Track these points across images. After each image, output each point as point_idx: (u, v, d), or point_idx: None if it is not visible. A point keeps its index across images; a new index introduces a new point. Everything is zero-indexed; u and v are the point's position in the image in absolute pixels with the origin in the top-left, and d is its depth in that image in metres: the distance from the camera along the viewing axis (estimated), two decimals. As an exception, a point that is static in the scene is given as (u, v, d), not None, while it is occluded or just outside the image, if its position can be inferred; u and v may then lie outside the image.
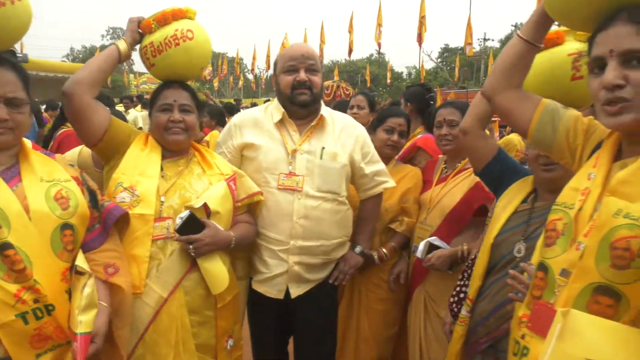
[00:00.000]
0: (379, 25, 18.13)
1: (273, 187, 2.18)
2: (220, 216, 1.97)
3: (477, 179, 2.28)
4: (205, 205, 1.92)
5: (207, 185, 1.99)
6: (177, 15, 2.05)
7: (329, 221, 2.22)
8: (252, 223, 2.19)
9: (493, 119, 6.36)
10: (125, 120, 3.44)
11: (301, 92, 2.20)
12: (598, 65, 1.15)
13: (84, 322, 1.41)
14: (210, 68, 27.59)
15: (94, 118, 1.90)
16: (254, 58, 27.61)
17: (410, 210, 2.60)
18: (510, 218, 1.81)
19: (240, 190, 2.11)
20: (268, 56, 26.56)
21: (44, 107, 8.01)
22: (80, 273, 1.46)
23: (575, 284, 1.08)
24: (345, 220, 2.32)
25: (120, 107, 9.39)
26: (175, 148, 2.03)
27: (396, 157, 2.81)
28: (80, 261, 1.47)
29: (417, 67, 32.02)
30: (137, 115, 9.38)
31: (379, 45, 18.47)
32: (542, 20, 1.44)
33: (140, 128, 8.07)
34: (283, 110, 2.26)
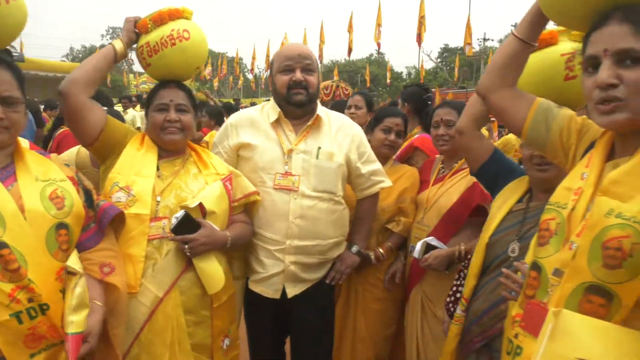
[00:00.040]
0: (379, 25, 18.13)
1: (269, 186, 2.18)
2: (216, 216, 1.97)
3: (475, 179, 2.29)
4: (200, 205, 1.92)
5: (203, 185, 1.99)
6: (174, 15, 2.06)
7: (325, 221, 2.22)
8: (249, 223, 2.19)
9: (492, 118, 6.38)
10: (122, 120, 3.44)
11: (297, 92, 2.20)
12: (592, 64, 1.15)
13: (75, 322, 1.41)
14: (210, 68, 27.59)
15: (89, 117, 1.90)
16: (253, 58, 27.63)
17: (407, 210, 2.60)
18: (505, 218, 1.82)
19: (236, 190, 2.11)
20: (268, 56, 26.55)
21: (42, 107, 8.00)
22: (72, 273, 1.46)
23: (568, 284, 1.09)
24: (342, 220, 2.32)
25: (119, 107, 9.38)
26: (171, 148, 2.03)
27: (393, 157, 2.81)
28: (72, 261, 1.47)
29: (417, 67, 32.03)
30: (136, 115, 9.38)
31: (379, 45, 18.47)
32: (536, 20, 1.44)
33: (139, 128, 8.07)
34: (279, 110, 2.26)
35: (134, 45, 2.10)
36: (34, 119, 5.16)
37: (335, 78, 15.13)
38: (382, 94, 33.34)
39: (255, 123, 2.29)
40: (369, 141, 2.55)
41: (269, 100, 2.38)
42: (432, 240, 2.38)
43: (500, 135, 8.65)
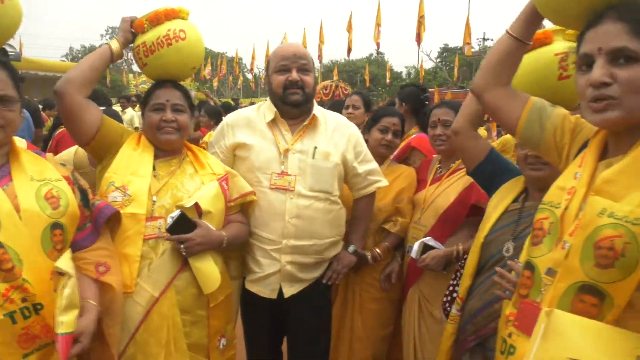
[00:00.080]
0: (378, 25, 18.09)
1: (265, 186, 2.18)
2: (211, 216, 1.97)
3: (472, 179, 2.29)
4: (196, 205, 1.92)
5: (199, 185, 2.00)
6: (170, 15, 2.06)
7: (321, 220, 2.22)
8: (245, 223, 2.19)
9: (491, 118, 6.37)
10: (120, 120, 3.44)
11: (293, 92, 2.20)
12: (586, 62, 1.15)
13: (65, 322, 1.41)
14: (210, 68, 27.58)
15: (85, 117, 1.90)
16: (253, 58, 27.57)
17: (404, 210, 2.60)
18: (500, 217, 1.82)
19: (232, 190, 2.11)
20: (267, 56, 26.35)
21: (41, 106, 8.00)
22: (61, 274, 1.46)
23: (561, 283, 1.09)
24: (338, 220, 2.32)
25: (117, 107, 9.38)
26: (167, 148, 2.03)
27: (391, 157, 2.81)
28: (61, 262, 1.47)
29: (417, 67, 32.01)
30: (134, 114, 9.38)
31: (378, 45, 18.42)
32: (531, 18, 1.44)
33: (137, 128, 8.07)
34: (275, 109, 2.26)
35: (131, 45, 2.10)
36: (32, 119, 5.17)
37: (335, 78, 15.14)
38: (382, 93, 33.31)
39: (251, 123, 2.29)
40: (366, 141, 2.55)
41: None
42: (430, 241, 2.38)
43: (499, 135, 8.65)
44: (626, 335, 1.00)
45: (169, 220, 1.84)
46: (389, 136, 2.69)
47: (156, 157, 2.00)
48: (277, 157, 2.21)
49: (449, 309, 2.06)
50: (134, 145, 1.99)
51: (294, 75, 2.20)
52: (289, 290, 2.23)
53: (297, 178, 2.18)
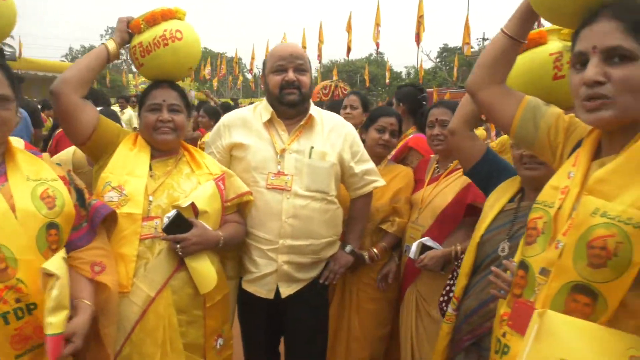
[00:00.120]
0: (377, 25, 18.06)
1: (262, 186, 2.18)
2: (208, 216, 1.97)
3: (469, 179, 2.29)
4: (193, 205, 1.92)
5: (195, 185, 2.00)
6: (167, 15, 2.06)
7: (318, 220, 2.22)
8: (242, 223, 2.19)
9: (489, 118, 6.35)
10: (118, 119, 3.44)
11: (290, 92, 2.20)
12: (580, 60, 1.15)
13: (54, 323, 1.40)
14: (210, 68, 27.57)
15: (81, 117, 1.91)
16: (252, 58, 27.54)
17: (401, 210, 2.60)
18: (496, 217, 1.82)
19: (229, 190, 2.11)
20: (267, 56, 26.42)
21: (40, 106, 8.00)
22: (50, 275, 1.46)
23: (554, 283, 1.09)
24: (335, 220, 2.32)
25: (116, 107, 9.38)
26: (164, 148, 2.03)
27: (388, 157, 2.81)
28: (49, 263, 1.46)
29: (416, 67, 32.00)
30: (132, 115, 9.38)
31: (378, 45, 18.39)
32: (526, 16, 1.44)
33: (135, 128, 8.06)
34: (272, 110, 2.26)
35: (127, 45, 2.10)
36: (31, 119, 5.17)
37: (334, 78, 15.12)
38: (382, 93, 33.31)
39: (247, 123, 2.29)
40: (364, 141, 2.55)
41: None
42: (428, 241, 2.38)
43: (498, 136, 8.64)
44: (619, 336, 1.00)
45: (165, 220, 1.84)
46: (386, 136, 2.69)
47: (153, 157, 2.00)
48: (273, 157, 2.21)
49: (445, 308, 2.06)
50: (130, 145, 1.99)
51: (291, 75, 2.20)
52: (286, 290, 2.23)
53: (294, 178, 2.18)
